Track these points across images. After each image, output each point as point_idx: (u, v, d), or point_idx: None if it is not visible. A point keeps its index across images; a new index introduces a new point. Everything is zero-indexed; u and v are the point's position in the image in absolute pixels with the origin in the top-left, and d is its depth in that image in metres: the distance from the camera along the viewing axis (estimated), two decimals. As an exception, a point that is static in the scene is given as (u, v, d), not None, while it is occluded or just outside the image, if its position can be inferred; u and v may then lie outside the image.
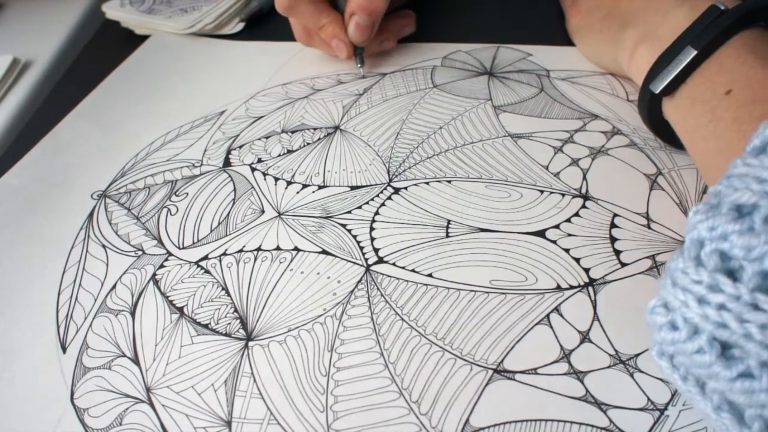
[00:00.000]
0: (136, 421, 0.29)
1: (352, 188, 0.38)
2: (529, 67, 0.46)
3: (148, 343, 0.32)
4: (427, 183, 0.38)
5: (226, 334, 0.32)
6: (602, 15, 0.42)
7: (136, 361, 0.31)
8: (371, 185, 0.38)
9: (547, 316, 0.30)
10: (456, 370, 0.28)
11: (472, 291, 0.31)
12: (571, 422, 0.26)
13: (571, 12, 0.46)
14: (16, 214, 0.41)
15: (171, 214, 0.39)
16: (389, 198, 0.37)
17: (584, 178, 0.36)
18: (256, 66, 0.52)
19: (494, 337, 0.29)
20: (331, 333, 0.31)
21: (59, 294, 0.36)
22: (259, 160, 0.42)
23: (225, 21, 0.58)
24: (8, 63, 0.56)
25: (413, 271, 0.33)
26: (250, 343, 0.31)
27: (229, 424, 0.28)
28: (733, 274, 0.19)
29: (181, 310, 0.33)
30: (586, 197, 0.35)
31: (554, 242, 0.33)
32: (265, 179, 0.40)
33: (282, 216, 0.37)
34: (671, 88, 0.32)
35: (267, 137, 0.44)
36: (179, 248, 0.37)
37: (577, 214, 0.34)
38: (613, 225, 0.34)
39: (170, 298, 0.34)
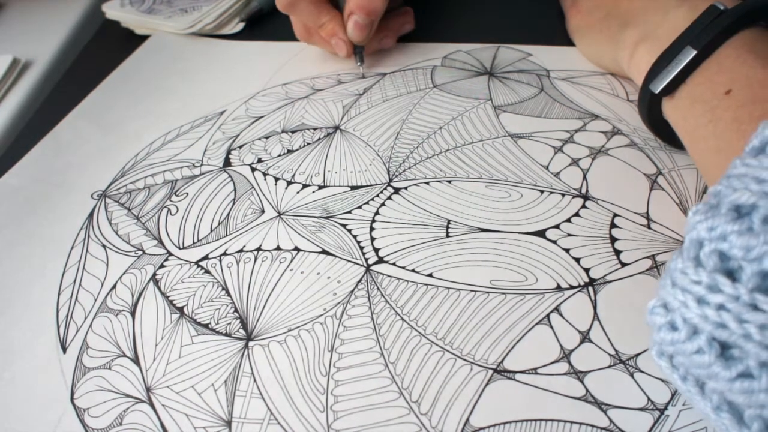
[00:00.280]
0: (136, 421, 0.29)
1: (352, 188, 0.38)
2: (529, 67, 0.46)
3: (148, 343, 0.32)
4: (427, 183, 0.38)
5: (226, 334, 0.32)
6: (602, 15, 0.42)
7: (136, 361, 0.31)
8: (371, 185, 0.38)
9: (547, 316, 0.30)
10: (456, 370, 0.28)
11: (472, 291, 0.31)
12: (571, 422, 0.26)
13: (571, 12, 0.46)
14: (16, 214, 0.41)
15: (171, 214, 0.39)
16: (389, 198, 0.37)
17: (584, 178, 0.36)
18: (256, 66, 0.52)
19: (494, 337, 0.29)
20: (331, 333, 0.31)
21: (59, 294, 0.36)
22: (259, 160, 0.42)
23: (225, 21, 0.58)
24: (8, 63, 0.56)
25: (413, 271, 0.33)
26: (250, 343, 0.31)
27: (229, 424, 0.28)
28: (732, 275, 0.19)
29: (181, 310, 0.33)
30: (586, 197, 0.35)
31: (554, 242, 0.33)
32: (265, 179, 0.40)
33: (282, 216, 0.37)
34: (671, 88, 0.32)
35: (267, 137, 0.44)
36: (179, 248, 0.37)
37: (577, 214, 0.34)
38: (613, 225, 0.34)
39: (170, 298, 0.34)
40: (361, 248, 0.35)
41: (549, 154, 0.38)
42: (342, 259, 0.34)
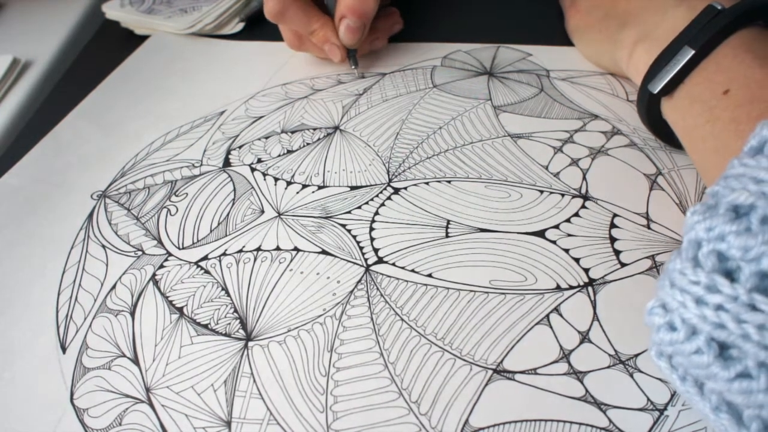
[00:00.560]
0: (136, 421, 0.29)
1: (352, 188, 0.38)
2: (529, 67, 0.46)
3: (148, 343, 0.32)
4: (427, 183, 0.38)
5: (225, 335, 0.32)
6: (601, 15, 0.42)
7: (135, 361, 0.31)
8: (371, 185, 0.38)
9: (547, 316, 0.30)
10: (456, 370, 0.28)
11: (471, 291, 0.31)
12: (571, 422, 0.26)
13: (570, 12, 0.46)
14: (16, 214, 0.41)
15: (171, 214, 0.39)
16: (389, 198, 0.37)
17: (584, 178, 0.36)
18: (256, 66, 0.52)
19: (494, 337, 0.29)
20: (330, 333, 0.31)
21: (59, 294, 0.36)
22: (259, 160, 0.42)
23: (225, 21, 0.58)
24: (8, 63, 0.56)
25: (413, 271, 0.33)
26: (250, 344, 0.31)
27: (228, 424, 0.28)
28: (730, 275, 0.19)
29: (180, 310, 0.33)
30: (585, 197, 0.35)
31: (554, 242, 0.33)
32: (264, 179, 0.40)
33: (282, 216, 0.37)
34: (669, 88, 0.32)
35: (267, 137, 0.44)
36: (179, 248, 0.37)
37: (576, 214, 0.34)
38: (612, 225, 0.34)
39: (170, 299, 0.34)
40: (361, 248, 0.35)
41: (549, 154, 0.38)
42: (342, 259, 0.34)
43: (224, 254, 0.36)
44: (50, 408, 0.30)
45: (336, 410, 0.28)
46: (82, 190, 0.43)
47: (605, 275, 0.31)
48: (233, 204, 0.39)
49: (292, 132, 0.44)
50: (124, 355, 0.32)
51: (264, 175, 0.41)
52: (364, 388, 0.28)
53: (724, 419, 0.20)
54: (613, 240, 0.33)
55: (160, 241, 0.37)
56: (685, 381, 0.21)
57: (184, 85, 0.52)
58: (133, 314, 0.34)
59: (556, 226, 0.34)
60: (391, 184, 0.38)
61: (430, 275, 0.33)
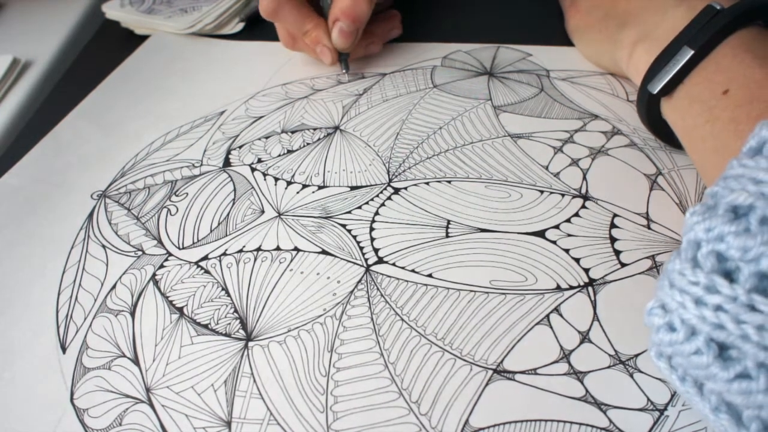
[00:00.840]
0: (136, 421, 0.29)
1: (352, 188, 0.38)
2: (529, 67, 0.46)
3: (148, 343, 0.32)
4: (427, 183, 0.38)
5: (225, 335, 0.32)
6: (601, 15, 0.42)
7: (135, 361, 0.31)
8: (371, 185, 0.38)
9: (547, 316, 0.30)
10: (456, 371, 0.29)
11: (472, 291, 0.31)
12: (571, 422, 0.26)
13: (570, 12, 0.46)
14: (16, 214, 0.41)
15: (171, 214, 0.39)
16: (389, 198, 0.37)
17: (584, 178, 0.36)
18: (256, 66, 0.52)
19: (494, 337, 0.29)
20: (330, 333, 0.31)
21: (59, 294, 0.36)
22: (259, 160, 0.42)
23: (225, 21, 0.58)
24: (8, 63, 0.56)
25: (413, 271, 0.33)
26: (250, 344, 0.31)
27: (228, 424, 0.28)
28: (729, 276, 0.19)
29: (181, 310, 0.33)
30: (586, 197, 0.35)
31: (554, 242, 0.33)
32: (265, 179, 0.40)
33: (282, 216, 0.37)
34: (669, 88, 0.32)
35: (267, 137, 0.44)
36: (179, 248, 0.37)
37: (576, 215, 0.34)
38: (613, 225, 0.34)
39: (170, 299, 0.34)
40: (361, 248, 0.35)
41: (549, 154, 0.38)
42: (342, 259, 0.34)
43: (224, 254, 0.36)
44: (50, 408, 0.30)
45: (336, 410, 0.28)
46: (82, 190, 0.43)
47: (605, 275, 0.31)
48: (233, 204, 0.39)
49: (293, 132, 0.44)
50: (124, 355, 0.32)
51: (264, 175, 0.41)
52: (365, 388, 0.28)
53: (723, 419, 0.20)
54: (613, 240, 0.33)
55: (160, 241, 0.37)
56: (684, 381, 0.21)
57: (184, 85, 0.52)
58: (133, 314, 0.34)
59: (557, 226, 0.34)
60: (392, 184, 0.38)
61: (430, 275, 0.33)
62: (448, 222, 0.35)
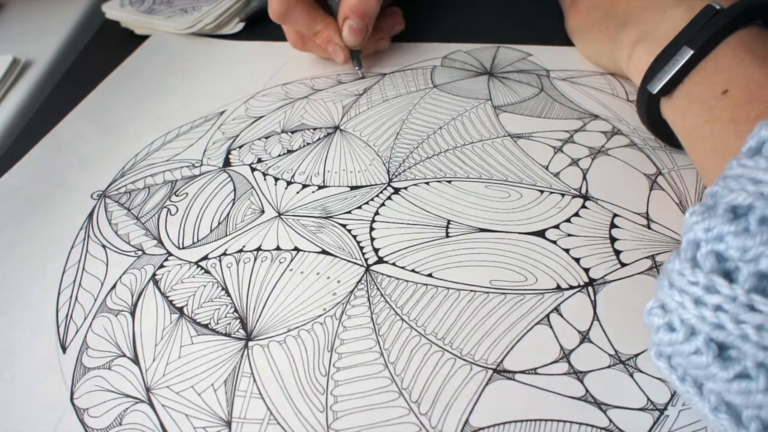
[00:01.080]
0: (136, 421, 0.29)
1: (352, 188, 0.38)
2: (529, 67, 0.46)
3: (148, 343, 0.32)
4: (427, 183, 0.38)
5: (226, 334, 0.32)
6: (601, 15, 0.42)
7: (136, 361, 0.31)
8: (371, 185, 0.38)
9: (547, 316, 0.30)
10: (456, 370, 0.29)
11: (472, 291, 0.31)
12: (571, 422, 0.26)
13: (570, 12, 0.46)
14: (16, 214, 0.41)
15: (171, 214, 0.39)
16: (389, 198, 0.37)
17: (584, 178, 0.36)
18: (256, 66, 0.52)
19: (494, 337, 0.29)
20: (330, 333, 0.31)
21: (59, 294, 0.36)
22: (259, 160, 0.42)
23: (225, 21, 0.58)
24: (8, 63, 0.56)
25: (413, 271, 0.33)
26: (250, 343, 0.31)
27: (228, 424, 0.28)
28: (729, 276, 0.19)
29: (181, 310, 0.33)
30: (586, 197, 0.35)
31: (554, 242, 0.33)
32: (265, 179, 0.40)
33: (282, 216, 0.37)
34: (669, 88, 0.32)
35: (267, 137, 0.44)
36: (179, 248, 0.37)
37: (576, 214, 0.34)
38: (613, 225, 0.34)
39: (170, 298, 0.34)
40: (361, 248, 0.35)
41: (549, 154, 0.38)
42: (342, 259, 0.34)
43: (224, 254, 0.36)
44: (50, 408, 0.30)
45: (336, 410, 0.28)
46: (82, 190, 0.43)
47: (605, 275, 0.31)
48: (233, 204, 0.39)
49: (293, 132, 0.44)
50: (125, 355, 0.32)
51: (264, 174, 0.41)
52: (364, 388, 0.28)
53: (723, 419, 0.20)
54: (613, 240, 0.33)
55: (160, 241, 0.37)
56: (684, 381, 0.21)
57: (184, 85, 0.52)
58: (133, 314, 0.34)
59: (557, 226, 0.34)
60: (392, 184, 0.38)
61: (430, 275, 0.33)
62: (448, 222, 0.35)
